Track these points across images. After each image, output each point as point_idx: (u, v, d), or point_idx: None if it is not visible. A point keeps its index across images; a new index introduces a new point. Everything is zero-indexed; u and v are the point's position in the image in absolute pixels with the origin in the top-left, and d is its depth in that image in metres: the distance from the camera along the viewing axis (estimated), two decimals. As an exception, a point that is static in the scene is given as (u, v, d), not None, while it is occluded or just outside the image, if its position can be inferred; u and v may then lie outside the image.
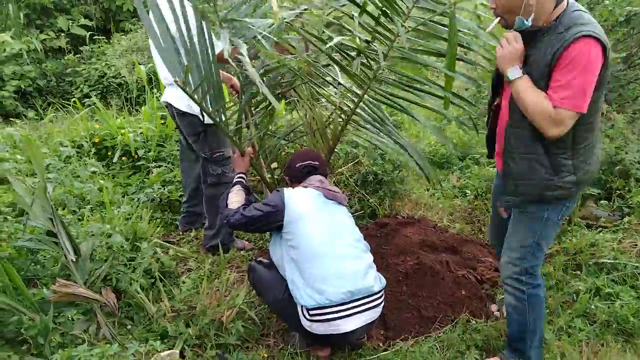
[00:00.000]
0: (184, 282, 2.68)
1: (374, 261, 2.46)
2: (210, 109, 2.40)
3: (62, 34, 7.55)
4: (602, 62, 1.79)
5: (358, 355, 2.40)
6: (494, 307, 2.81)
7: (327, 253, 2.24)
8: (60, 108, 6.62)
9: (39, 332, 1.72)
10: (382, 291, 2.36)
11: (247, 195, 2.54)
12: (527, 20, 1.84)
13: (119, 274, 2.20)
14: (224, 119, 2.52)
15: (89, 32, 7.77)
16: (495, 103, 2.24)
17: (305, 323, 2.22)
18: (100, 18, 8.30)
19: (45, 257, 2.18)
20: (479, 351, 2.47)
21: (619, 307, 2.67)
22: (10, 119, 5.86)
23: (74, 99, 6.59)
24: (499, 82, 2.17)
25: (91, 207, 2.88)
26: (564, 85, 1.79)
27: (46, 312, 1.84)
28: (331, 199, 2.41)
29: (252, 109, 2.92)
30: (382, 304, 2.36)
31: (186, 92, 2.22)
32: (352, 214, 2.78)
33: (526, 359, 2.25)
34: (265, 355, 2.30)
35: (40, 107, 6.83)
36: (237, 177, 2.64)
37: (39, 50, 7.19)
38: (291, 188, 2.46)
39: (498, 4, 1.91)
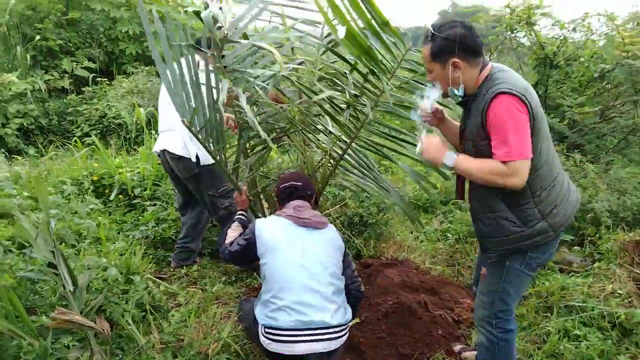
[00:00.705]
0: (172, 316, 2.82)
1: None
2: (212, 148, 2.63)
3: (66, 75, 7.84)
4: (525, 111, 1.94)
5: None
6: (457, 347, 2.94)
7: (289, 285, 2.33)
8: (61, 146, 6.85)
9: (38, 356, 1.86)
10: (344, 325, 2.39)
11: (244, 230, 2.70)
12: (457, 90, 2.08)
13: (113, 305, 2.35)
14: (223, 158, 2.75)
15: (92, 74, 8.08)
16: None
17: (263, 340, 2.32)
18: (103, 61, 8.63)
19: (43, 287, 2.33)
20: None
21: (585, 348, 2.81)
22: (13, 155, 6.05)
23: (74, 138, 6.84)
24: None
25: (89, 242, 3.04)
26: (502, 142, 1.95)
27: (44, 338, 1.98)
28: (304, 227, 2.49)
29: (248, 151, 3.15)
30: (342, 336, 2.40)
31: (191, 132, 2.45)
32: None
33: None
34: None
35: (41, 145, 7.06)
36: (238, 215, 2.85)
37: (43, 90, 7.46)
38: (264, 219, 2.58)
39: (430, 76, 2.17)
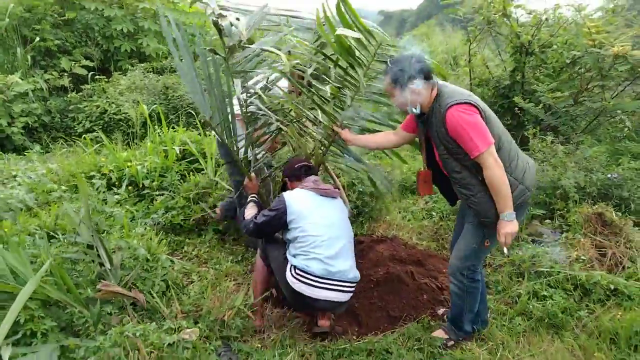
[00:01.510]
0: (190, 290, 3.21)
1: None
2: (226, 139, 3.03)
3: (65, 74, 8.12)
4: (474, 110, 2.43)
5: (335, 345, 2.94)
6: (441, 310, 3.36)
7: (321, 242, 2.85)
8: (64, 142, 7.18)
9: (90, 321, 2.23)
10: (354, 282, 2.95)
11: (259, 209, 3.17)
12: (415, 109, 2.59)
13: (143, 279, 2.73)
14: (235, 148, 3.15)
15: (90, 72, 8.37)
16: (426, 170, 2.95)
17: (290, 279, 2.82)
18: (99, 59, 8.91)
19: (82, 267, 2.70)
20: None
21: (551, 306, 3.24)
22: (24, 152, 6.36)
23: (77, 134, 7.18)
24: (428, 153, 2.85)
25: (118, 228, 3.40)
26: (467, 144, 2.43)
27: (89, 308, 2.36)
28: (324, 196, 3.02)
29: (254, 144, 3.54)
30: (351, 292, 2.96)
31: (210, 125, 2.84)
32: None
33: (461, 329, 2.95)
34: (259, 345, 2.84)
35: (45, 142, 7.38)
36: (250, 197, 3.28)
37: (44, 89, 7.75)
38: (290, 191, 3.05)
39: (392, 99, 2.68)
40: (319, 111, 3.50)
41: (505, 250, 2.65)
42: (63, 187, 3.42)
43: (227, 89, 2.99)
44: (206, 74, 2.98)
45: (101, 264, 2.67)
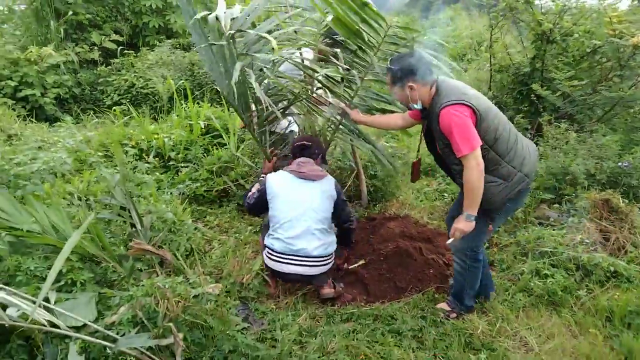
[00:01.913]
0: (212, 255, 3.45)
1: (362, 246, 3.30)
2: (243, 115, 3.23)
3: (95, 48, 8.39)
4: (468, 111, 2.57)
5: (344, 310, 3.16)
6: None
7: (287, 223, 3.12)
8: (93, 114, 7.47)
9: (120, 275, 2.48)
10: (323, 257, 3.17)
11: None
12: (416, 104, 2.77)
13: (170, 241, 2.98)
14: (252, 124, 3.36)
15: (119, 47, 8.62)
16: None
17: (265, 257, 3.16)
18: (128, 34, 9.15)
19: (115, 227, 2.95)
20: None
21: (552, 284, 3.41)
22: (58, 122, 6.65)
23: (106, 106, 7.46)
24: (429, 140, 3.02)
25: (149, 193, 3.64)
26: (456, 144, 2.57)
27: (122, 264, 2.61)
28: (302, 179, 3.18)
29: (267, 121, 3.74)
30: (322, 265, 3.17)
31: (228, 101, 3.05)
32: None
33: (462, 303, 3.13)
34: (274, 306, 3.07)
35: (75, 113, 7.68)
36: (261, 177, 3.47)
37: (75, 62, 8.03)
38: (273, 173, 3.27)
39: (393, 96, 2.90)
40: (328, 92, 3.69)
41: (449, 241, 2.85)
42: (99, 154, 3.67)
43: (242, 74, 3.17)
44: (222, 56, 3.17)
45: (132, 225, 2.92)
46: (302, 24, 3.55)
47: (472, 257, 2.99)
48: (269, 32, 3.32)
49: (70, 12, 8.24)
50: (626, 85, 5.27)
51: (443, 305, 3.22)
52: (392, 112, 3.68)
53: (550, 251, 3.74)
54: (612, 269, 3.56)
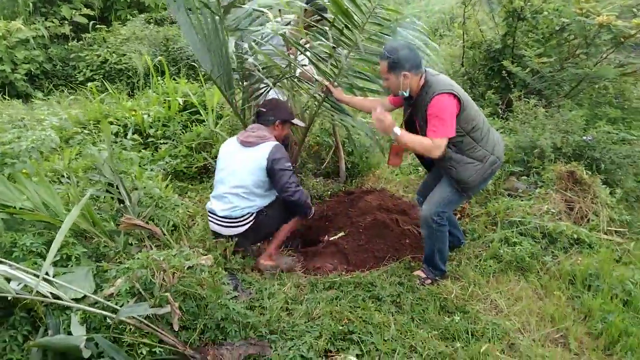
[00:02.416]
0: (196, 229, 3.56)
1: (341, 219, 3.46)
2: (226, 92, 3.31)
3: (66, 22, 8.21)
4: (455, 101, 2.92)
5: (327, 278, 3.32)
6: None
7: (215, 183, 3.42)
8: (65, 90, 7.37)
9: (112, 250, 2.57)
10: (229, 219, 3.31)
11: None
12: (405, 92, 3.03)
13: (159, 216, 3.07)
14: (234, 101, 3.44)
15: (91, 21, 8.45)
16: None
17: None
18: (99, 8, 8.96)
19: (103, 203, 3.02)
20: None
21: (520, 251, 3.63)
22: (30, 98, 6.57)
23: (78, 82, 7.36)
24: (411, 126, 3.26)
25: (135, 170, 3.69)
26: (434, 126, 2.90)
27: (113, 239, 2.70)
28: (241, 144, 3.34)
29: (252, 96, 3.81)
30: (229, 227, 3.34)
31: (212, 79, 3.11)
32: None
33: (436, 267, 3.37)
34: (259, 277, 3.21)
35: (46, 89, 7.56)
36: None
37: (45, 36, 7.86)
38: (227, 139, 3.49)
39: (385, 82, 3.09)
40: (314, 68, 3.78)
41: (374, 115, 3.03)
42: (86, 131, 3.70)
43: (225, 48, 3.24)
44: (204, 31, 3.23)
45: (120, 201, 3.00)
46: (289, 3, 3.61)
47: (438, 222, 3.21)
48: (259, 5, 3.39)
49: (38, -15, 8.03)
50: (591, 62, 5.49)
51: (419, 273, 3.42)
52: (373, 90, 3.79)
53: (519, 220, 3.96)
54: (575, 236, 3.82)
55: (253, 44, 3.29)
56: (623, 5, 5.45)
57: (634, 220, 4.42)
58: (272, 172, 3.27)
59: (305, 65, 3.91)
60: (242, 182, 3.29)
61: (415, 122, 3.21)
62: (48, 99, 7.09)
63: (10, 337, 1.96)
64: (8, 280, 1.87)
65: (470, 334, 2.89)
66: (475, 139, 3.07)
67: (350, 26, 3.33)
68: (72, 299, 2.04)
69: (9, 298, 1.88)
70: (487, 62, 6.54)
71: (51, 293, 1.93)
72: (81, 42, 8.12)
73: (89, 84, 7.03)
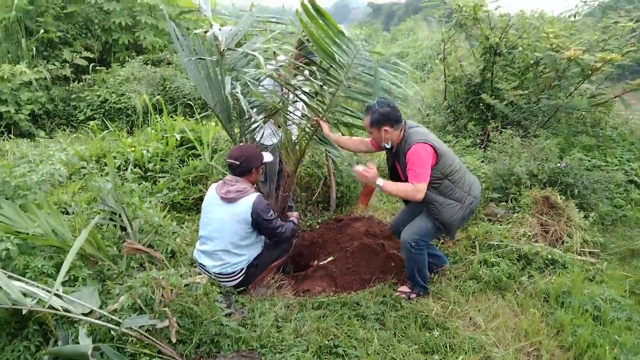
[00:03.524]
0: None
1: (330, 244, 3.77)
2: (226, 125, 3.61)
3: (67, 64, 8.59)
4: (431, 150, 3.30)
5: (315, 299, 3.54)
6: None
7: (201, 239, 3.53)
8: (66, 129, 7.68)
9: (115, 273, 2.80)
10: (222, 275, 3.44)
11: None
12: (387, 144, 3.45)
13: (159, 241, 3.30)
14: (233, 133, 3.73)
15: (91, 63, 8.84)
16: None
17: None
18: (99, 50, 9.37)
19: (106, 230, 3.26)
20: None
21: (497, 272, 3.86)
22: (33, 137, 6.85)
23: (78, 121, 7.66)
24: (394, 172, 3.66)
25: (136, 200, 3.94)
26: (414, 173, 3.26)
27: (116, 262, 2.93)
28: (220, 199, 3.45)
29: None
30: (223, 282, 3.47)
31: (214, 112, 3.40)
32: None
33: (417, 284, 3.64)
34: (252, 299, 3.43)
35: (48, 128, 7.87)
36: None
37: (48, 78, 8.22)
38: (210, 187, 3.63)
39: (370, 135, 3.51)
40: (303, 105, 4.09)
41: (356, 169, 3.39)
42: (90, 165, 3.97)
43: (222, 85, 3.56)
44: (206, 73, 3.55)
45: (123, 228, 3.24)
46: (280, 42, 3.95)
47: (416, 247, 3.50)
48: (253, 50, 3.71)
49: (42, 31, 8.43)
50: (563, 94, 5.84)
51: (403, 288, 3.68)
52: (358, 126, 4.08)
53: (497, 244, 4.21)
54: (550, 257, 4.06)
55: (245, 84, 3.60)
56: (590, 39, 5.84)
57: (608, 241, 4.68)
58: (257, 224, 3.45)
59: (295, 102, 4.21)
60: (231, 239, 3.43)
61: (397, 168, 3.59)
62: (51, 137, 7.40)
63: (24, 347, 2.17)
64: (24, 295, 2.10)
65: (448, 347, 3.10)
66: (453, 182, 3.43)
67: (335, 67, 3.64)
68: (81, 313, 2.26)
69: (24, 312, 2.10)
70: (468, 96, 6.92)
71: (62, 307, 2.15)
72: (82, 83, 8.47)
73: (90, 122, 7.36)
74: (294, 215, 3.97)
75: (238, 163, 3.49)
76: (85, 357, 2.08)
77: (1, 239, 2.53)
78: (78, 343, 2.19)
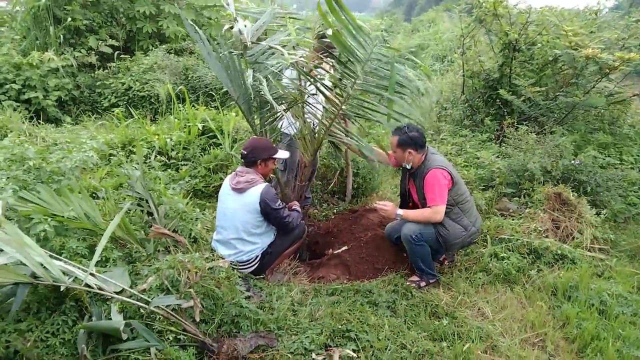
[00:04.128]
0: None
1: (345, 234, 3.92)
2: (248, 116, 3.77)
3: (92, 52, 8.82)
4: (448, 177, 3.63)
5: (330, 286, 3.70)
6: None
7: (217, 229, 3.69)
8: (91, 115, 7.91)
9: (143, 255, 2.99)
10: (238, 262, 3.56)
11: None
12: (408, 165, 3.77)
13: (183, 227, 3.49)
14: (255, 124, 3.89)
15: (116, 51, 9.06)
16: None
17: None
18: (123, 39, 9.58)
19: (134, 215, 3.45)
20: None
21: (507, 265, 3.97)
22: (60, 123, 7.08)
23: (103, 108, 7.89)
24: (406, 195, 4.01)
25: (163, 187, 4.12)
26: (431, 196, 3.60)
27: (144, 246, 3.12)
28: (232, 189, 3.60)
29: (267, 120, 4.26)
30: (240, 269, 3.55)
31: (237, 103, 3.59)
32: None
33: (425, 273, 3.79)
34: (268, 284, 3.60)
35: (74, 114, 8.11)
36: None
37: (74, 65, 8.45)
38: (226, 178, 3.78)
39: (395, 156, 3.82)
40: (322, 96, 4.22)
41: (377, 206, 3.74)
42: (120, 153, 4.17)
43: (243, 79, 3.72)
44: (228, 66, 3.70)
45: (149, 214, 3.42)
46: (300, 37, 4.09)
47: (417, 240, 3.68)
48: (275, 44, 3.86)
49: (69, 19, 8.65)
50: (580, 92, 5.88)
51: (414, 278, 3.83)
52: (372, 119, 4.20)
53: (508, 238, 4.31)
54: (559, 252, 4.15)
55: (268, 75, 3.75)
56: (610, 37, 5.86)
57: (619, 239, 4.75)
58: (266, 213, 3.60)
59: (314, 94, 4.34)
60: (243, 228, 3.59)
61: (410, 192, 3.95)
62: (76, 123, 7.63)
63: (62, 321, 2.36)
64: (63, 273, 2.28)
65: (456, 335, 3.24)
66: (462, 210, 3.72)
67: (353, 60, 3.76)
68: (113, 292, 2.44)
69: (62, 289, 2.28)
70: (485, 90, 6.97)
71: (96, 285, 2.34)
72: (106, 70, 8.70)
73: (114, 109, 7.57)
74: (295, 204, 4.11)
75: (245, 153, 3.65)
76: (118, 331, 2.27)
77: (39, 221, 2.72)
78: (110, 319, 2.37)
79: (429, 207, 3.60)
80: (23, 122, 6.36)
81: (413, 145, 3.66)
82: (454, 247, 3.81)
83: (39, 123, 6.93)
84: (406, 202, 4.07)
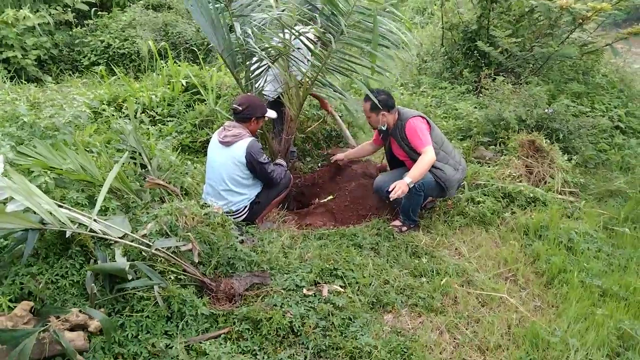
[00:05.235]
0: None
1: (330, 185, 4.06)
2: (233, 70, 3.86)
3: (68, 9, 8.65)
4: (424, 121, 3.96)
5: (317, 231, 3.92)
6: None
7: (207, 181, 3.87)
8: (71, 74, 7.86)
9: (139, 205, 3.15)
10: (228, 213, 3.73)
11: None
12: (383, 126, 4.08)
13: (175, 179, 3.64)
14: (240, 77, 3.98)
15: (92, 8, 8.90)
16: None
17: None
18: (99, -6, 9.41)
19: (128, 168, 3.59)
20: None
21: (482, 208, 4.23)
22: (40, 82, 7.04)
23: (83, 67, 7.83)
24: (392, 157, 4.31)
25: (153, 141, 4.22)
26: (418, 142, 3.83)
27: (140, 196, 3.28)
28: (219, 143, 3.75)
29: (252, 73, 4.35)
30: (233, 218, 3.76)
31: (221, 56, 3.64)
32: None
33: (409, 218, 4.01)
34: (259, 231, 3.80)
35: (54, 73, 8.05)
36: None
37: (50, 23, 8.31)
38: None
39: (368, 119, 4.12)
40: (307, 50, 4.32)
41: (391, 194, 3.65)
42: (112, 108, 4.25)
43: (227, 32, 3.79)
44: (212, 18, 3.77)
45: (142, 166, 3.56)
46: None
47: (418, 189, 3.85)
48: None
49: (42, -26, 8.46)
50: (555, 43, 6.05)
51: (396, 222, 4.06)
52: (355, 72, 4.33)
53: (484, 183, 4.56)
54: (532, 195, 4.41)
55: (254, 29, 3.83)
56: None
57: (588, 182, 5.04)
58: (251, 166, 3.75)
59: (299, 48, 4.43)
60: (231, 180, 3.76)
61: (393, 151, 4.22)
62: (57, 82, 7.59)
63: (70, 264, 2.53)
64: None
65: (435, 272, 3.51)
66: (446, 152, 4.02)
67: (336, 13, 3.85)
68: (116, 237, 2.62)
69: (67, 234, 2.44)
70: (464, 43, 7.09)
71: (100, 230, 2.50)
72: (84, 28, 8.57)
73: (95, 67, 7.53)
74: (279, 160, 4.29)
75: (241, 109, 3.75)
76: (123, 272, 2.45)
77: (39, 174, 2.85)
78: (115, 262, 2.55)
79: (419, 153, 3.79)
80: (4, 82, 6.33)
81: (384, 107, 3.95)
82: (453, 182, 3.99)
83: (22, 82, 6.88)
84: (395, 162, 4.32)
